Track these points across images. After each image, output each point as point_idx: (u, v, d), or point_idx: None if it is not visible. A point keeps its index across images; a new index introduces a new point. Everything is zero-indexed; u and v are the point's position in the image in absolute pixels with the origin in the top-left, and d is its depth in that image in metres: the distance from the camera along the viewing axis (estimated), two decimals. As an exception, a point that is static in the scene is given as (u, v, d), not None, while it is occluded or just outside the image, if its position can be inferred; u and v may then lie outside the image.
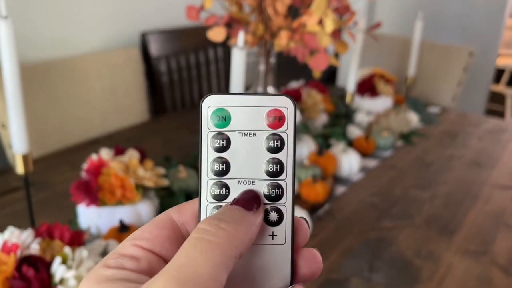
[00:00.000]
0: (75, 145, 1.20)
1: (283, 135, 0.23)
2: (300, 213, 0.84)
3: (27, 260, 0.56)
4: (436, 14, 2.40)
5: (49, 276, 0.56)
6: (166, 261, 0.23)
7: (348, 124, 1.25)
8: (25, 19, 1.28)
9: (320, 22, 0.74)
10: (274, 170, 0.24)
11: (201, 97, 1.76)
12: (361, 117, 1.30)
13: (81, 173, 0.83)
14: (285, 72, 1.99)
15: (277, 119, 0.23)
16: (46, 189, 0.99)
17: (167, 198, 0.86)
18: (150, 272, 0.22)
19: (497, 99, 2.82)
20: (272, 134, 0.23)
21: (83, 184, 0.79)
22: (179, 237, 0.24)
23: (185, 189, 0.89)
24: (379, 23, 0.97)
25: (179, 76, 1.65)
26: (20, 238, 0.59)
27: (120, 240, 0.72)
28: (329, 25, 0.68)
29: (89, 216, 0.79)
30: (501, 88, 2.74)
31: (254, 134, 0.24)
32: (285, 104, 0.23)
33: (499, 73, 2.74)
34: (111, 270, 0.21)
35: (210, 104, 0.24)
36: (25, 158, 0.68)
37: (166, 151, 1.13)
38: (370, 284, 0.74)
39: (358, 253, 0.82)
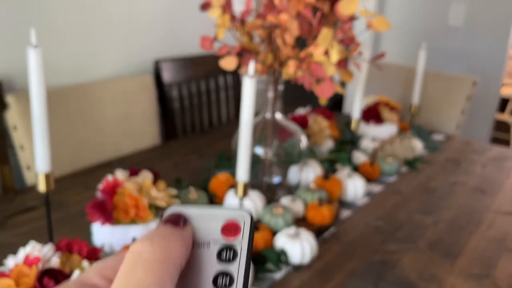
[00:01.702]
0: (88, 168, 1.25)
1: (237, 246, 0.23)
2: (306, 235, 0.87)
3: (47, 273, 0.59)
4: (441, 45, 2.46)
5: None
6: None
7: (354, 150, 1.29)
8: (44, 47, 1.35)
9: (326, 53, 0.79)
10: (223, 283, 0.23)
11: (211, 122, 1.81)
12: (367, 143, 1.34)
13: (95, 193, 0.87)
14: (293, 99, 2.04)
15: (232, 230, 0.23)
16: (61, 209, 1.02)
17: (178, 218, 0.90)
18: None
19: (502, 127, 2.84)
20: (225, 244, 0.23)
21: (99, 203, 0.83)
22: None
23: (195, 210, 0.92)
24: (383, 54, 1.02)
25: (190, 102, 1.71)
26: (42, 252, 0.63)
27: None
28: (334, 55, 0.73)
29: (103, 235, 0.83)
30: (506, 117, 2.77)
31: (208, 245, 0.23)
32: (242, 217, 0.24)
33: (504, 102, 2.78)
34: None
35: (172, 211, 0.24)
36: (47, 177, 0.72)
37: (177, 174, 1.17)
38: (374, 305, 0.76)
39: (363, 275, 0.84)
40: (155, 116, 1.53)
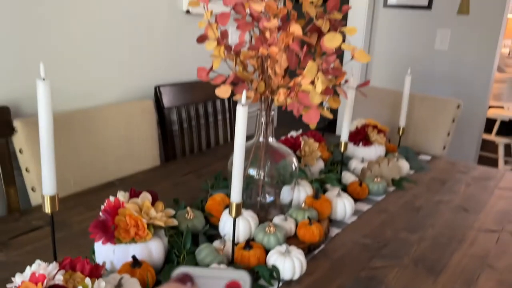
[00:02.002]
0: (91, 188, 1.30)
1: None
2: (297, 252, 0.92)
3: None
4: (428, 69, 2.56)
5: (73, 301, 0.64)
6: None
7: (343, 170, 1.35)
8: (51, 76, 1.43)
9: (313, 82, 0.86)
10: None
11: (209, 144, 1.88)
12: (356, 164, 1.40)
13: (97, 213, 0.92)
14: (286, 122, 2.11)
15: None
16: (64, 229, 1.08)
17: (175, 237, 0.95)
18: None
19: (490, 147, 2.93)
20: None
21: (101, 223, 0.89)
22: None
23: (192, 229, 0.98)
24: (368, 82, 1.09)
25: (188, 125, 1.78)
26: (46, 270, 0.68)
27: (132, 274, 0.80)
28: (319, 86, 0.80)
29: (105, 253, 0.88)
30: (493, 137, 2.85)
31: None
32: (242, 278, 0.26)
33: (492, 123, 2.87)
34: None
35: (180, 271, 0.28)
36: (52, 199, 0.78)
37: (175, 194, 1.23)
38: (359, 318, 0.81)
39: (350, 290, 0.89)
40: (156, 138, 1.60)
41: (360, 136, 1.47)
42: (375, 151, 1.46)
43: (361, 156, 1.46)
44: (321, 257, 1.00)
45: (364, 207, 1.23)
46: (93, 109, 1.46)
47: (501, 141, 2.81)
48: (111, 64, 1.60)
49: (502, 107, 2.89)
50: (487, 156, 2.98)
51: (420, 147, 1.76)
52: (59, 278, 0.66)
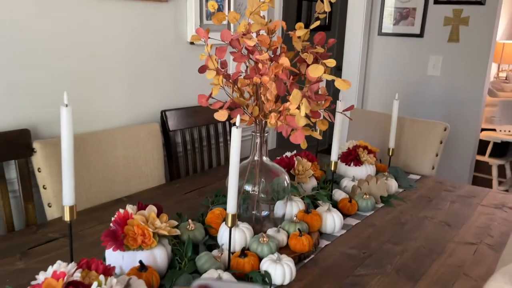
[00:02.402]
0: (102, 204, 1.41)
1: None
2: (287, 260, 1.02)
3: (71, 284, 0.75)
4: (422, 94, 2.68)
5: (89, 295, 0.74)
6: None
7: (335, 188, 1.45)
8: (59, 101, 1.56)
9: (299, 107, 0.98)
10: None
11: (211, 164, 1.99)
12: (347, 182, 1.51)
13: (107, 226, 1.03)
14: (283, 144, 2.23)
15: None
16: (78, 240, 1.18)
17: (178, 245, 1.05)
18: None
19: (484, 169, 3.02)
20: None
21: (112, 232, 0.99)
22: None
23: (192, 239, 1.08)
24: (353, 106, 1.21)
25: (192, 146, 1.91)
26: (66, 269, 0.78)
27: (139, 277, 0.90)
28: (303, 110, 0.92)
29: (115, 259, 0.98)
30: (486, 158, 2.95)
31: None
32: None
33: (485, 145, 2.96)
34: None
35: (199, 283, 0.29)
36: (71, 208, 0.89)
37: (179, 210, 1.33)
38: (342, 318, 0.90)
39: (335, 294, 0.98)
40: (161, 159, 1.72)
41: (351, 157, 1.58)
42: (365, 170, 1.57)
43: (352, 175, 1.56)
44: (311, 266, 1.09)
45: (353, 221, 1.33)
46: (103, 131, 1.59)
47: (495, 162, 2.91)
48: (121, 90, 1.74)
49: (494, 130, 2.99)
50: (481, 177, 3.07)
51: (410, 167, 1.86)
52: (77, 276, 0.76)
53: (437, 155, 1.85)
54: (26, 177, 1.39)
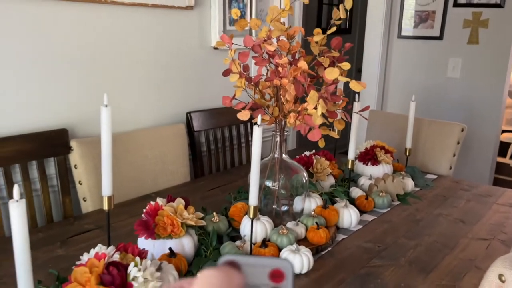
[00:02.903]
0: (132, 200, 1.52)
1: None
2: (305, 250, 1.09)
3: (111, 264, 0.84)
4: (441, 96, 2.70)
5: (126, 274, 0.83)
6: None
7: (352, 186, 1.51)
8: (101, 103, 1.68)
9: (316, 108, 1.05)
10: None
11: (233, 163, 2.08)
12: (364, 181, 1.56)
13: (137, 219, 1.11)
14: (303, 145, 2.30)
15: (278, 276, 0.28)
16: (111, 231, 1.28)
17: (203, 235, 1.14)
18: None
19: (505, 170, 3.00)
20: (274, 287, 0.28)
21: (144, 222, 1.09)
22: None
23: (217, 230, 1.16)
24: (368, 107, 1.27)
25: (215, 146, 2.00)
26: (107, 251, 0.88)
27: (169, 262, 0.99)
28: (320, 110, 0.99)
29: (146, 246, 1.07)
30: (507, 160, 2.93)
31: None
32: (285, 265, 0.28)
33: (506, 146, 2.95)
34: None
35: (227, 258, 0.29)
36: (109, 199, 0.99)
37: (203, 205, 1.42)
38: (356, 304, 0.96)
39: (349, 284, 1.04)
40: (187, 158, 1.82)
41: (368, 156, 1.64)
42: (382, 169, 1.62)
43: (370, 174, 1.61)
44: (327, 257, 1.16)
45: (369, 218, 1.39)
46: (133, 132, 1.70)
47: (516, 164, 2.89)
48: (149, 93, 1.84)
49: (515, 131, 2.98)
50: (502, 178, 3.05)
51: (428, 167, 1.90)
52: (116, 257, 0.85)
53: (454, 155, 1.88)
54: (64, 174, 1.51)
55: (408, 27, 2.80)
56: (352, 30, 4.21)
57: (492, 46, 2.53)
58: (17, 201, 0.67)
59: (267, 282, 0.28)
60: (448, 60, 2.68)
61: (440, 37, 2.68)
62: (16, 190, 0.66)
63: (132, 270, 0.84)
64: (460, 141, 1.87)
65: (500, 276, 0.66)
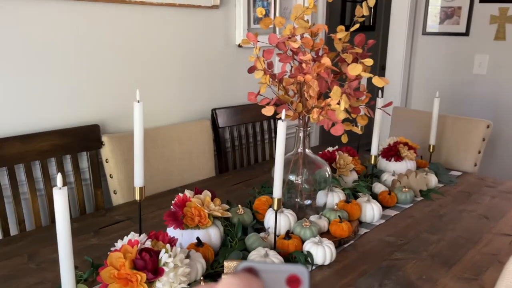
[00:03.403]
0: (159, 193, 1.57)
1: None
2: (328, 242, 1.11)
3: (144, 250, 0.90)
4: (468, 93, 2.67)
5: (158, 260, 0.88)
6: None
7: (375, 182, 1.53)
8: (131, 100, 1.75)
9: (339, 103, 1.08)
10: None
11: (256, 159, 2.12)
12: (387, 177, 1.57)
13: (164, 211, 1.16)
14: (326, 142, 2.31)
15: (295, 282, 0.28)
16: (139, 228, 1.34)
17: (229, 226, 1.18)
18: None
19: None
20: None
21: (172, 213, 1.14)
22: None
23: (242, 222, 1.21)
24: (391, 103, 1.29)
25: (239, 142, 2.04)
26: (139, 238, 0.93)
27: (196, 251, 1.04)
28: (343, 105, 1.01)
29: (175, 236, 1.12)
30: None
31: None
32: (301, 271, 0.29)
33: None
34: None
35: (245, 265, 0.29)
36: (141, 189, 1.04)
37: (228, 198, 1.46)
38: (377, 294, 0.98)
39: (372, 275, 1.06)
40: (212, 153, 1.87)
41: (392, 152, 1.65)
42: (406, 166, 1.63)
43: (393, 170, 1.62)
44: (350, 250, 1.18)
45: (392, 213, 1.40)
46: (161, 127, 1.76)
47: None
48: (176, 90, 1.90)
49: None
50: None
51: (452, 164, 1.89)
52: (148, 244, 0.91)
53: (479, 152, 1.86)
54: (96, 167, 1.58)
55: (433, 23, 2.77)
56: (376, 27, 4.18)
57: (520, 42, 2.48)
58: (60, 188, 0.73)
59: None
60: (475, 56, 2.64)
61: (466, 33, 2.65)
62: (59, 178, 0.72)
63: (164, 256, 0.89)
64: (485, 138, 1.85)
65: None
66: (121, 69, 1.69)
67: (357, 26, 1.14)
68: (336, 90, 1.01)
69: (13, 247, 1.18)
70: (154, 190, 1.60)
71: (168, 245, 0.92)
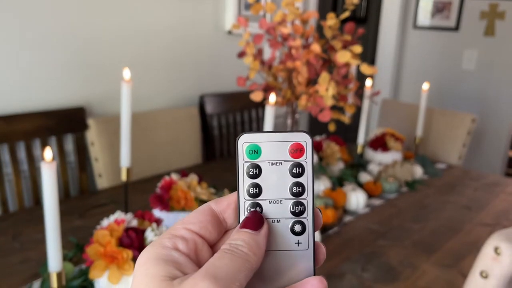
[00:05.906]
0: (145, 178, 1.57)
1: (304, 163, 0.29)
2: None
3: (130, 228, 0.89)
4: (455, 87, 2.70)
5: (143, 238, 0.88)
6: (208, 242, 0.28)
7: (361, 171, 1.54)
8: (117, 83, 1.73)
9: (327, 90, 1.08)
10: (297, 191, 0.29)
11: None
12: (373, 167, 1.59)
13: (149, 196, 1.15)
14: (314, 131, 2.32)
15: (298, 151, 0.29)
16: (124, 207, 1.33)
17: (214, 211, 1.18)
18: (196, 252, 0.27)
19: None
20: (295, 162, 0.29)
21: (158, 196, 1.13)
22: (218, 222, 0.29)
23: (228, 206, 1.21)
24: (379, 92, 1.30)
25: (227, 130, 2.04)
26: (125, 217, 0.93)
27: (181, 233, 1.04)
28: (331, 91, 1.02)
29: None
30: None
31: (280, 163, 0.29)
32: (304, 138, 0.29)
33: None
34: (165, 250, 0.26)
35: (244, 141, 0.29)
36: (128, 170, 1.04)
37: (214, 185, 1.46)
38: (360, 279, 1.00)
39: (355, 260, 1.08)
40: (199, 140, 1.86)
41: (378, 143, 1.66)
42: (392, 156, 1.64)
43: (379, 160, 1.64)
44: (334, 237, 1.19)
45: (377, 202, 1.42)
46: (148, 112, 1.74)
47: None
48: (163, 75, 1.89)
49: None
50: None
51: (438, 157, 1.92)
52: (134, 223, 0.90)
53: (464, 146, 1.89)
54: (82, 151, 1.56)
55: (424, 17, 2.79)
56: (369, 19, 4.19)
57: (509, 38, 2.51)
58: (49, 162, 0.72)
59: (288, 158, 0.29)
60: (464, 51, 2.67)
61: (456, 28, 2.67)
62: (48, 152, 0.71)
63: (150, 234, 0.88)
64: (470, 132, 1.88)
65: (496, 249, 0.69)
66: (108, 53, 1.67)
67: (347, 13, 1.15)
68: (324, 76, 1.01)
69: (-5, 226, 1.17)
70: (140, 175, 1.59)
71: (154, 224, 0.92)
